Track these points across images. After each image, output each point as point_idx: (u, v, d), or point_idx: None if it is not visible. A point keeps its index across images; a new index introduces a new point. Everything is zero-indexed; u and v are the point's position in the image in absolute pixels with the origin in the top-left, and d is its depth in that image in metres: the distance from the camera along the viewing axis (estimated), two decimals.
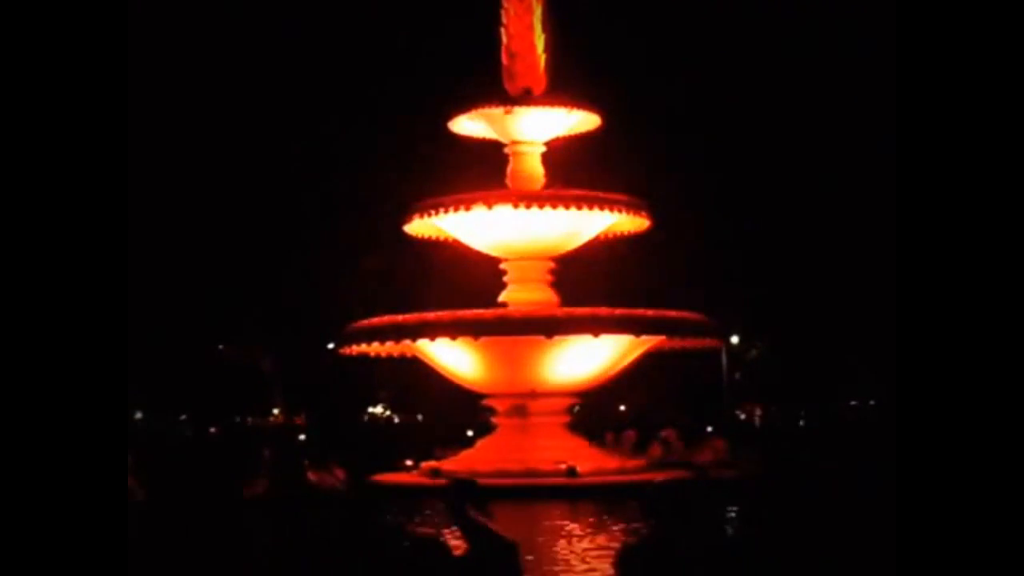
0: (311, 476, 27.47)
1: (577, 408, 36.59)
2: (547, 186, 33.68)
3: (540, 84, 33.85)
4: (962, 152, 9.08)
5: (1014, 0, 9.26)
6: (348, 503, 26.18)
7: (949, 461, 8.71)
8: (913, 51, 9.39)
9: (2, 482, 7.89)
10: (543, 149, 34.50)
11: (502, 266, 34.35)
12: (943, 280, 8.98)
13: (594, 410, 42.33)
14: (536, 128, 33.92)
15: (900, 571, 8.41)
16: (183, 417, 58.99)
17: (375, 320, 32.67)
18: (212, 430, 53.80)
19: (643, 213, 33.22)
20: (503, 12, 34.39)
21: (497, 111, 33.02)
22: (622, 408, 55.36)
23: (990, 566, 8.46)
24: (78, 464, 7.99)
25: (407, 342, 32.59)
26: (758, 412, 58.56)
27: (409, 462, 35.25)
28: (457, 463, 32.42)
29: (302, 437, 50.95)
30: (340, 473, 28.95)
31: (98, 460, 8.06)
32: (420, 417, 61.14)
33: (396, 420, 67.63)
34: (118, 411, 8.20)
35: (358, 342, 33.43)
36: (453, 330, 30.90)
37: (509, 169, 34.26)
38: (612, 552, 13.74)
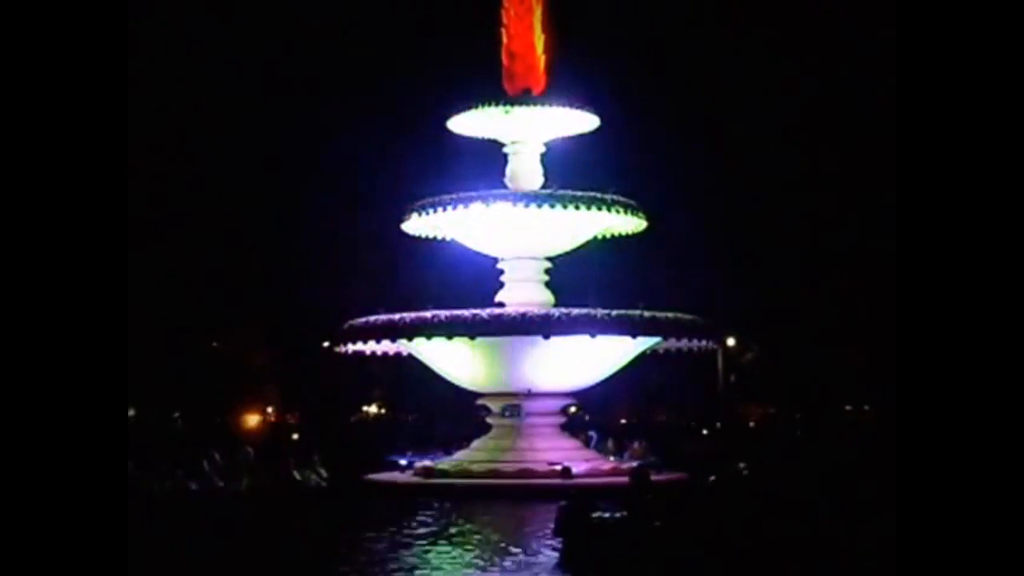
0: (295, 474, 27.54)
1: (573, 409, 36.70)
2: (546, 186, 33.67)
3: (540, 85, 33.85)
4: (962, 157, 9.06)
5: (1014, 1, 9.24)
6: (330, 500, 26.36)
7: (949, 465, 8.70)
8: (913, 54, 9.37)
9: (2, 480, 7.86)
10: (542, 149, 34.50)
11: (499, 265, 34.34)
12: (943, 284, 8.97)
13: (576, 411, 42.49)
14: (535, 128, 33.91)
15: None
16: (176, 414, 58.85)
17: (371, 319, 32.65)
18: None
19: (640, 214, 33.22)
20: (503, 13, 34.38)
21: (497, 111, 32.99)
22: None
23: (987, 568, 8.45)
24: (77, 460, 7.97)
25: (403, 341, 32.59)
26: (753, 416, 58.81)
27: (403, 461, 35.27)
28: (451, 463, 32.46)
29: (295, 435, 50.91)
30: (323, 472, 29.01)
31: (97, 456, 8.03)
32: (415, 416, 61.00)
33: (391, 419, 67.51)
34: (118, 408, 8.18)
35: (354, 341, 33.41)
36: (449, 330, 30.90)
37: (508, 169, 34.25)
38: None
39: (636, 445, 35.77)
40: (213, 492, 26.23)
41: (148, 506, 24.30)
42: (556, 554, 17.07)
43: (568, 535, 16.70)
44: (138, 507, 23.73)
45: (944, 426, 8.81)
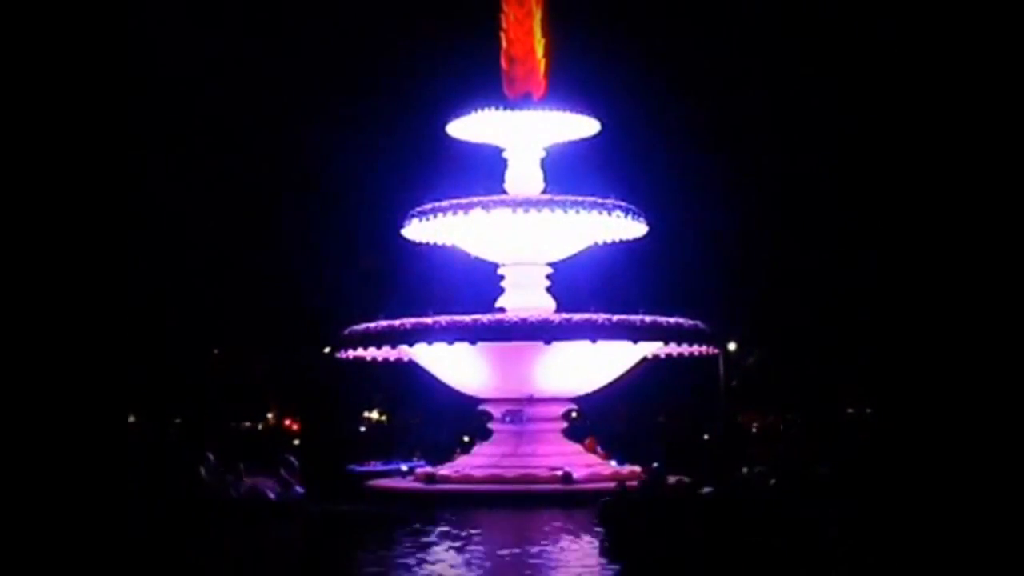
0: (246, 481, 27.22)
1: (574, 414, 36.56)
2: (546, 191, 33.64)
3: (540, 89, 33.82)
4: (962, 165, 9.11)
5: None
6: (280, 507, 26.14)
7: (949, 465, 8.71)
8: (913, 56, 9.41)
9: (3, 481, 7.87)
10: (543, 154, 34.47)
11: (500, 271, 34.29)
12: (944, 286, 9.01)
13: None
14: (535, 133, 33.87)
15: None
16: (177, 420, 58.72)
17: (372, 325, 32.58)
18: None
19: (641, 219, 33.17)
20: (503, 17, 34.35)
21: (497, 115, 32.94)
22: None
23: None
24: (78, 464, 7.96)
25: (404, 347, 32.52)
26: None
27: (404, 467, 35.15)
28: (453, 468, 32.37)
29: (296, 441, 50.78)
30: (281, 478, 28.75)
31: (97, 461, 8.03)
32: (416, 421, 60.89)
33: (392, 425, 67.42)
34: (117, 414, 8.18)
35: (355, 347, 33.33)
36: (450, 335, 30.84)
37: (508, 174, 34.21)
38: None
39: (598, 449, 35.51)
40: (293, 498, 26.05)
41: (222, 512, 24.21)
42: (597, 542, 19.05)
43: (613, 525, 18.62)
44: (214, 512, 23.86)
45: (944, 428, 8.85)
